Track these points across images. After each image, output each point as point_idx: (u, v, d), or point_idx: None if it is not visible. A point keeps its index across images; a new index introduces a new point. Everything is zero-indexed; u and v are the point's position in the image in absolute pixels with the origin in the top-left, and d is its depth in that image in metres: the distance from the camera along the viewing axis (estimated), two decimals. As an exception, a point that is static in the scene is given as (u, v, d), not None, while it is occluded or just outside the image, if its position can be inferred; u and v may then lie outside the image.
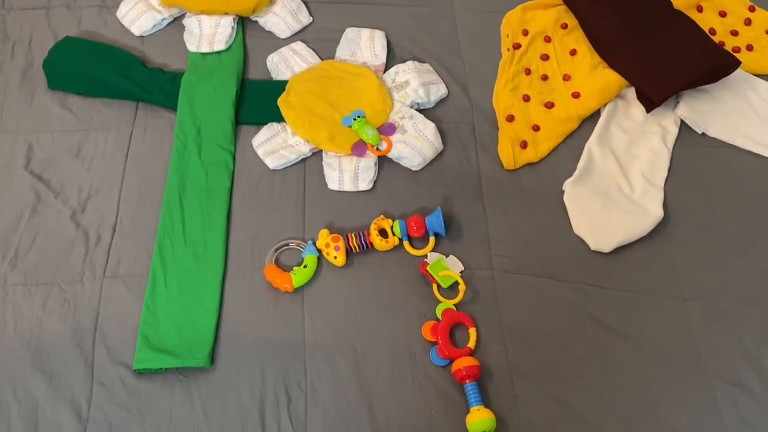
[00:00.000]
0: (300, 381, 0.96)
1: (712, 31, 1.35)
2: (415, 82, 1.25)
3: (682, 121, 1.24)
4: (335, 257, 1.05)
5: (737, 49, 1.33)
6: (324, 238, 1.07)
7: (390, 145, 1.17)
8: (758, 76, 1.30)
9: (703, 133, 1.23)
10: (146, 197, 1.13)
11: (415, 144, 1.17)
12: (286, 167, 1.17)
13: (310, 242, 1.08)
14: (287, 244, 1.09)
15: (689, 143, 1.22)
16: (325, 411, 0.94)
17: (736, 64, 1.21)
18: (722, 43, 1.33)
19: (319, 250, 1.07)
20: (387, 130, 1.19)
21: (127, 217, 1.11)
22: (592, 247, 1.08)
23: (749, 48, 1.33)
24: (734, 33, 1.36)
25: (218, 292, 1.03)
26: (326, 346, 0.99)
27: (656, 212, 1.11)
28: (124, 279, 1.04)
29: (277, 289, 1.04)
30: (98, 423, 0.92)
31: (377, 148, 1.18)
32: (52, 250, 1.06)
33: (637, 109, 1.24)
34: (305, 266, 1.05)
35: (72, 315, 1.00)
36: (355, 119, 1.19)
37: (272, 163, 1.16)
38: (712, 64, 1.20)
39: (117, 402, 0.93)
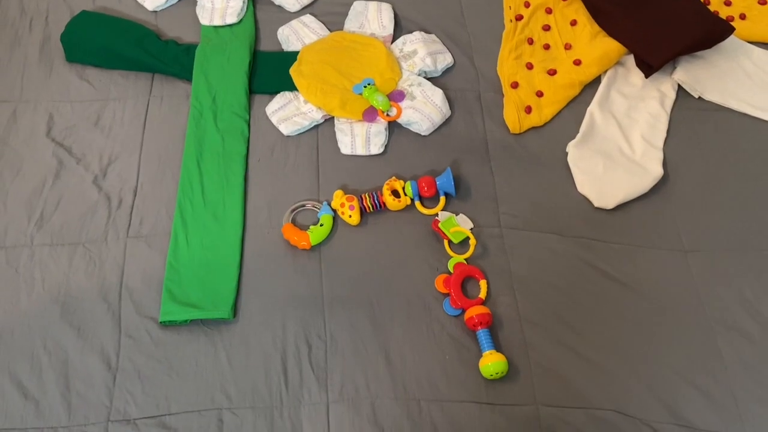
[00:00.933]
0: (319, 331, 1.00)
1: (707, 1, 1.40)
2: (422, 51, 1.29)
3: (679, 86, 1.28)
4: (350, 216, 1.10)
5: (731, 18, 1.38)
6: (339, 198, 1.11)
7: (400, 111, 1.22)
8: (751, 43, 1.34)
9: (700, 97, 1.27)
10: (165, 163, 1.17)
11: (424, 110, 1.21)
12: (300, 134, 1.21)
13: (325, 203, 1.12)
14: (303, 205, 1.13)
15: (687, 107, 1.27)
16: (345, 358, 0.98)
17: (730, 30, 1.26)
18: (716, 13, 1.38)
19: (334, 210, 1.11)
20: (396, 96, 1.24)
21: (148, 181, 1.15)
22: (596, 204, 1.13)
23: (742, 17, 1.38)
24: (727, 3, 1.41)
25: (238, 249, 1.07)
26: (343, 299, 1.03)
27: (656, 171, 1.16)
28: (147, 238, 1.08)
29: (294, 247, 1.08)
30: (127, 371, 0.96)
31: (387, 114, 1.22)
32: (76, 213, 1.10)
33: (636, 75, 1.29)
34: (321, 225, 1.09)
35: (98, 272, 1.04)
36: (365, 87, 1.23)
37: (286, 129, 1.20)
38: (706, 30, 1.25)
39: (144, 352, 0.97)
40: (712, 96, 1.27)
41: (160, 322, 0.99)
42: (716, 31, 1.26)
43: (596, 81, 1.30)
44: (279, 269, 1.06)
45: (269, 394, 0.94)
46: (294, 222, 1.11)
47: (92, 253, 1.06)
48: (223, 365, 0.97)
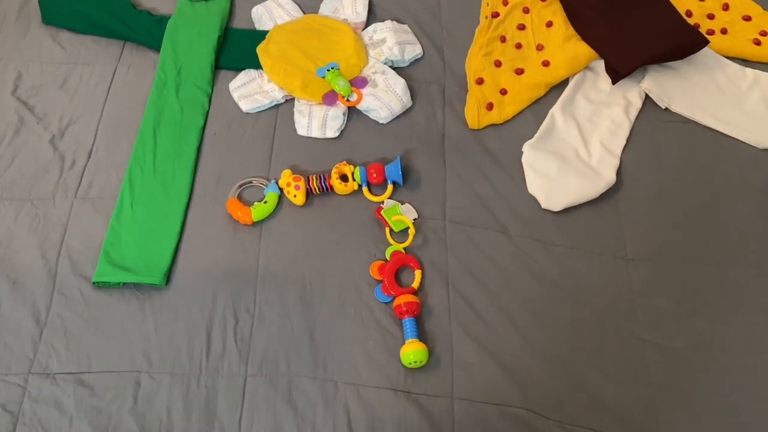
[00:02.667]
0: (249, 306, 1.01)
1: (689, 13, 1.38)
2: (391, 41, 1.29)
3: (647, 96, 1.27)
4: (295, 196, 1.10)
5: (711, 32, 1.36)
6: (286, 177, 1.12)
7: (360, 97, 1.22)
8: (729, 58, 1.32)
9: (667, 108, 1.26)
10: (123, 129, 1.19)
11: (384, 98, 1.21)
12: (259, 111, 1.22)
13: (273, 181, 1.13)
14: (251, 182, 1.14)
15: (652, 117, 1.25)
16: (270, 334, 0.99)
17: (704, 42, 1.24)
18: (697, 25, 1.36)
19: (281, 189, 1.12)
20: (359, 83, 1.24)
21: (103, 145, 1.17)
22: (543, 205, 1.12)
23: (723, 31, 1.36)
24: (710, 16, 1.38)
25: (181, 219, 1.08)
26: (277, 276, 1.04)
27: (609, 177, 1.15)
28: (94, 201, 1.10)
29: (237, 222, 1.09)
30: (55, 327, 0.98)
31: (347, 99, 1.22)
32: (29, 170, 1.13)
33: (605, 81, 1.28)
34: (265, 202, 1.10)
35: (41, 229, 1.06)
36: (328, 70, 1.24)
37: (245, 106, 1.21)
38: (679, 40, 1.24)
39: (74, 310, 0.99)
40: (679, 107, 1.25)
41: (93, 283, 1.01)
42: (689, 42, 1.24)
43: (565, 84, 1.29)
44: (218, 242, 1.07)
45: (189, 362, 0.96)
46: (240, 198, 1.12)
47: (38, 210, 1.08)
48: (149, 330, 0.98)
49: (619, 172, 1.17)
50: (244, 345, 0.98)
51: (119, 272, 1.01)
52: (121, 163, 1.14)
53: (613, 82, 1.25)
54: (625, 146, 1.21)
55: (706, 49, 1.28)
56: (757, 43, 1.34)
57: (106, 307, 1.00)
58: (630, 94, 1.26)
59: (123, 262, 1.03)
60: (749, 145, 1.22)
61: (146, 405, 0.92)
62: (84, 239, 1.06)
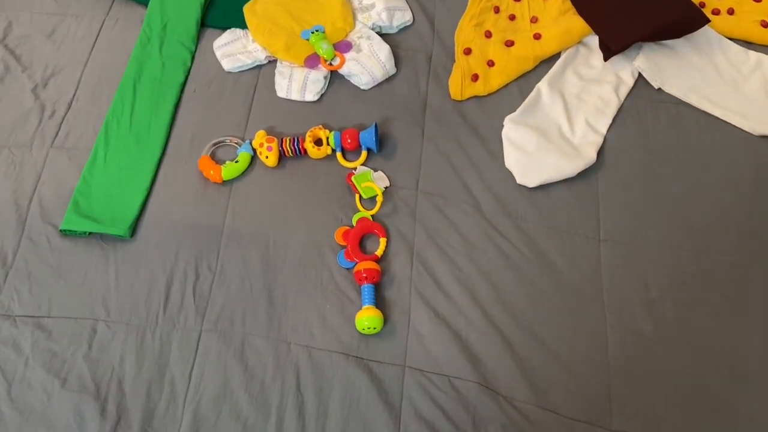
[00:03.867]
0: (211, 263, 1.02)
1: (695, -9, 1.32)
2: (380, 6, 1.26)
3: (640, 75, 1.22)
4: (267, 157, 1.10)
5: (717, 11, 1.30)
6: (260, 138, 1.12)
7: (342, 61, 1.20)
8: (732, 39, 1.26)
9: (660, 89, 1.21)
10: (104, 82, 1.19)
11: (367, 63, 1.19)
12: (241, 71, 1.22)
13: (247, 141, 1.13)
14: (225, 141, 1.13)
15: (643, 96, 1.21)
16: (228, 292, 0.99)
17: (704, 21, 1.19)
18: (702, 4, 1.30)
19: (254, 150, 1.12)
20: (343, 47, 1.22)
21: (84, 97, 1.17)
22: (518, 180, 1.10)
23: (730, 11, 1.30)
24: (718, -5, 1.32)
25: (152, 173, 1.09)
26: (242, 236, 1.04)
27: (589, 156, 1.11)
28: (69, 151, 1.11)
29: (207, 180, 1.09)
30: (20, 271, 0.99)
31: (330, 63, 1.20)
32: (9, 117, 1.14)
33: (598, 57, 1.23)
34: (237, 161, 1.10)
35: (16, 175, 1.08)
36: (313, 33, 1.22)
37: (228, 65, 1.21)
38: (677, 17, 1.18)
39: (40, 256, 1.01)
40: (672, 88, 1.20)
41: (60, 231, 1.02)
42: (687, 20, 1.19)
43: (555, 58, 1.25)
44: (186, 198, 1.07)
45: (146, 314, 0.97)
46: (213, 156, 1.12)
47: (15, 156, 1.10)
48: (110, 280, 0.99)
49: (601, 151, 1.14)
50: (201, 301, 0.98)
51: (86, 222, 1.02)
52: (100, 115, 1.15)
53: (605, 59, 1.21)
54: (611, 125, 1.17)
55: (706, 28, 1.22)
56: (765, 25, 1.27)
57: (70, 255, 1.01)
58: (622, 72, 1.22)
59: (91, 213, 1.04)
60: (743, 131, 1.17)
61: (100, 352, 0.93)
62: (56, 188, 1.07)
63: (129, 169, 1.09)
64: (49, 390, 0.90)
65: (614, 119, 1.18)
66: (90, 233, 1.03)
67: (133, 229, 1.04)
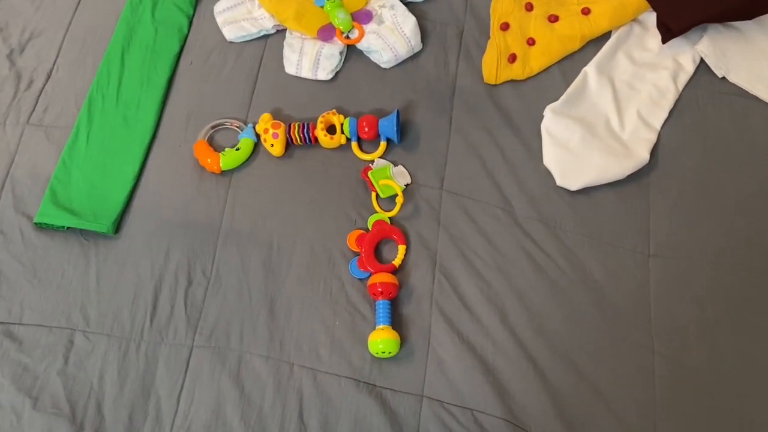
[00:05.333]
0: (205, 267, 0.89)
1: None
2: (406, -31, 1.10)
3: (702, 61, 1.06)
4: (272, 145, 0.96)
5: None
6: (265, 122, 0.98)
7: (361, 34, 1.05)
8: (810, 24, 1.10)
9: (724, 78, 1.05)
10: (89, 48, 1.05)
11: (389, 38, 1.04)
12: (245, 41, 1.07)
13: (250, 125, 0.99)
14: (225, 123, 1.00)
15: (704, 86, 1.05)
16: (225, 301, 0.87)
17: (781, 1, 1.02)
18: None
19: (258, 135, 0.98)
20: (362, 17, 1.07)
21: (65, 65, 1.03)
22: (558, 182, 0.96)
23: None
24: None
25: (141, 158, 0.96)
26: (242, 236, 0.91)
27: (641, 156, 0.97)
28: (47, 129, 0.98)
29: (203, 168, 0.96)
30: (-12, 269, 0.87)
31: (346, 36, 1.05)
32: (-20, 87, 1.00)
33: (654, 39, 1.07)
34: (238, 149, 0.96)
35: (-14, 156, 0.95)
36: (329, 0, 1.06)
37: (230, 33, 1.06)
38: (750, -4, 1.02)
39: (11, 252, 0.89)
40: (739, 78, 1.05)
41: (35, 223, 0.90)
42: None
43: (605, 38, 1.09)
44: (179, 190, 0.95)
45: (131, 325, 0.85)
46: (211, 141, 0.99)
47: (-15, 134, 0.97)
48: (91, 283, 0.87)
49: (654, 151, 0.99)
50: (194, 311, 0.87)
51: (63, 215, 0.89)
52: (83, 87, 1.01)
53: (664, 41, 1.05)
54: (667, 120, 1.02)
55: (783, 9, 1.06)
56: None
57: (45, 252, 0.89)
58: (682, 57, 1.06)
59: (69, 204, 0.91)
60: (818, 131, 1.02)
61: (77, 367, 0.82)
62: (31, 172, 0.94)
63: (114, 153, 0.96)
64: (19, 410, 0.79)
65: (670, 113, 1.03)
66: (69, 227, 0.90)
67: (118, 224, 0.91)
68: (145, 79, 1.01)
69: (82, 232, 0.90)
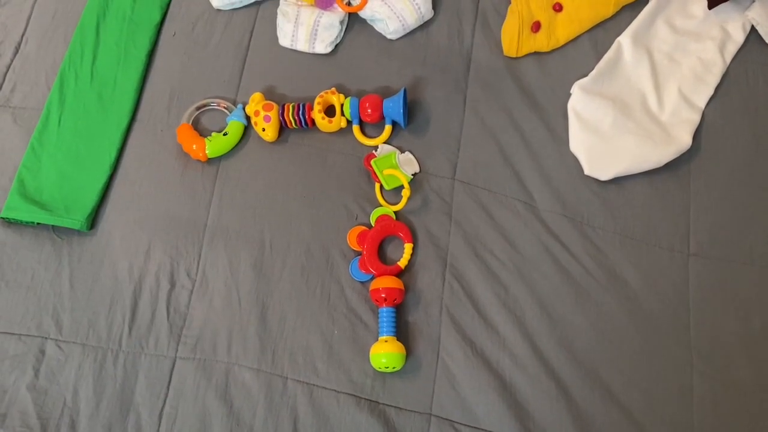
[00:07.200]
0: (190, 268, 0.81)
1: None
2: (416, -76, 0.97)
3: (753, 29, 0.94)
4: (264, 129, 0.86)
5: None
6: (255, 103, 0.87)
7: (365, 1, 0.93)
8: None
9: (778, 50, 0.93)
10: (61, 18, 0.95)
11: (396, 4, 0.92)
12: (234, 9, 0.96)
13: (240, 106, 0.89)
14: (212, 104, 0.89)
15: (754, 59, 0.94)
16: (211, 307, 0.79)
17: None
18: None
19: (248, 118, 0.88)
20: (365, -20, 0.94)
21: (34, 37, 0.94)
22: (586, 170, 0.86)
23: None
24: None
25: (117, 144, 0.87)
26: (230, 233, 0.83)
27: (682, 140, 0.86)
28: (15, 111, 0.89)
29: (188, 155, 0.86)
30: (-51, 271, 0.79)
31: (348, 3, 0.94)
32: (-60, 64, 0.90)
33: (699, 3, 0.95)
34: (225, 134, 0.86)
35: (-53, 142, 0.86)
36: (327, -40, 0.94)
37: (217, 0, 0.94)
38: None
39: (-24, 251, 0.80)
40: (796, 50, 0.92)
41: (1, 218, 0.81)
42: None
43: (642, 2, 0.96)
44: (161, 180, 0.86)
45: (108, 333, 0.77)
46: (195, 124, 0.89)
47: (-53, 117, 0.87)
48: (63, 285, 0.79)
49: (696, 134, 0.88)
50: (178, 318, 0.78)
51: (32, 209, 0.81)
52: (54, 63, 0.91)
53: (710, 7, 0.93)
54: (712, 98, 0.91)
55: None
56: None
57: (13, 250, 0.81)
58: (730, 26, 0.94)
59: (39, 196, 0.82)
60: None
61: (49, 381, 0.75)
62: (-3, 160, 0.85)
63: (89, 137, 0.86)
64: (-15, 429, 0.72)
65: (716, 90, 0.91)
66: (38, 222, 0.81)
67: (93, 219, 0.82)
68: (123, 54, 0.91)
69: (54, 228, 0.82)
